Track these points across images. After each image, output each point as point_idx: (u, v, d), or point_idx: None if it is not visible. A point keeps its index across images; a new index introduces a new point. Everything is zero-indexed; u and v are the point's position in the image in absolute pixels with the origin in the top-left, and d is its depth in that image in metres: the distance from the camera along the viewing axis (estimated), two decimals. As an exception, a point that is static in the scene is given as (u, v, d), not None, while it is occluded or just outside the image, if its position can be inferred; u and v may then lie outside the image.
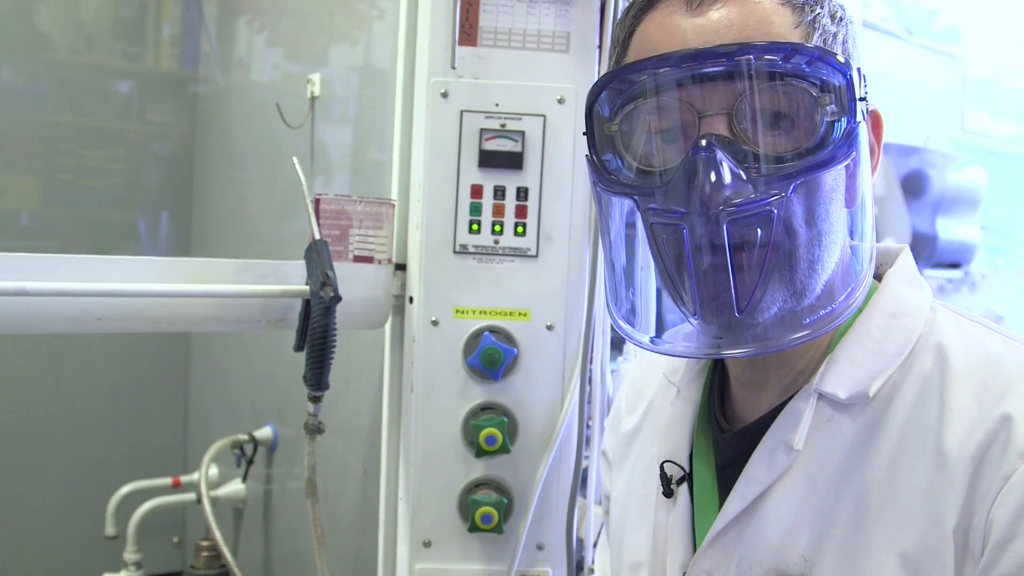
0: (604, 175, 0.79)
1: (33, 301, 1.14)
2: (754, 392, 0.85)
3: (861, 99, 0.74)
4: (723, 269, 0.72)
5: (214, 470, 2.13)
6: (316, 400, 1.24)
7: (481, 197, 1.31)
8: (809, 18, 0.76)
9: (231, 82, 2.46)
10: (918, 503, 0.72)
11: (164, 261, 1.23)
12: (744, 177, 0.71)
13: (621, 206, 0.81)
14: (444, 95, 1.30)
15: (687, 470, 0.87)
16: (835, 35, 0.77)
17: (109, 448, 2.52)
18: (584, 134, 0.81)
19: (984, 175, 3.00)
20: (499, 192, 1.31)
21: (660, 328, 0.85)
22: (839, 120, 0.73)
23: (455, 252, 1.31)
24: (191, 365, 2.63)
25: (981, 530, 0.69)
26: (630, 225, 0.81)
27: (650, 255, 0.78)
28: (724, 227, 0.71)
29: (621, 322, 0.83)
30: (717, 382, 0.91)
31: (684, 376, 0.93)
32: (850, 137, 0.73)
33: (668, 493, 0.87)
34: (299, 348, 1.24)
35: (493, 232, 1.31)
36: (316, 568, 1.38)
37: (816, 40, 0.75)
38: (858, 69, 0.75)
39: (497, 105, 1.30)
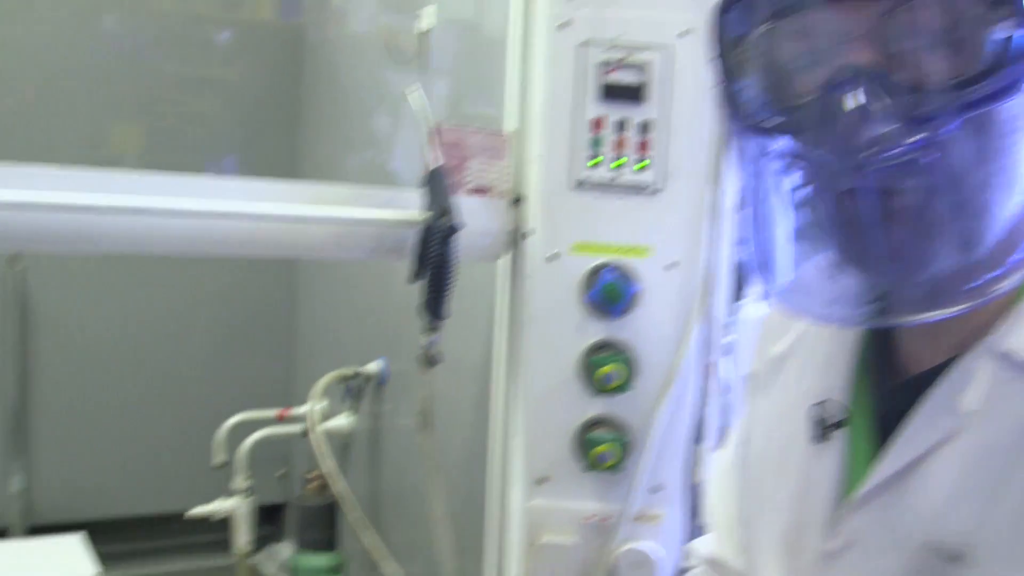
0: (733, 108, 0.69)
1: (154, 221, 1.15)
2: (924, 342, 0.73)
3: None
4: (877, 225, 0.62)
5: (322, 403, 2.15)
6: (434, 330, 1.23)
7: (601, 130, 1.27)
8: None
9: (336, 23, 2.45)
10: None
11: (281, 184, 1.23)
12: (898, 114, 0.60)
13: (754, 145, 0.70)
14: (563, 26, 1.26)
15: (845, 415, 0.77)
16: None
17: (215, 381, 2.60)
18: (710, 60, 0.71)
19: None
20: (619, 126, 1.27)
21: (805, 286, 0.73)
22: (1018, 34, 0.58)
23: (574, 187, 1.28)
24: (297, 299, 2.68)
25: None
26: (771, 165, 0.70)
27: (791, 204, 0.68)
28: (873, 176, 0.60)
29: (770, 284, 0.73)
30: None
31: None
32: None
33: (819, 437, 0.77)
34: (415, 279, 1.23)
35: (613, 167, 1.27)
36: (426, 501, 1.39)
37: None
38: None
39: (619, 36, 1.26)
